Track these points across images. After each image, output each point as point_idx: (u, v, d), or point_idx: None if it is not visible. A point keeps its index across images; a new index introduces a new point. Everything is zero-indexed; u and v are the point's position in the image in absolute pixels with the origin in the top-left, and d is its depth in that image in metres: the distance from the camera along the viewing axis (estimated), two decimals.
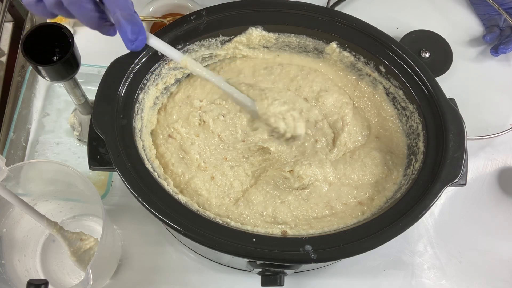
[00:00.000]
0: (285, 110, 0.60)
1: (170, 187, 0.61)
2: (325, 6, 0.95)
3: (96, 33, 0.54)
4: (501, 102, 0.91)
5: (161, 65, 0.67)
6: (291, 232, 0.61)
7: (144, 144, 0.64)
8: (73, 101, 0.73)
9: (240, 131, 0.69)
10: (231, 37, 0.70)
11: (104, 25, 0.54)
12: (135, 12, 0.53)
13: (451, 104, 0.64)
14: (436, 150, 0.62)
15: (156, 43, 0.57)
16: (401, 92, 0.69)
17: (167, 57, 0.66)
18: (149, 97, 0.66)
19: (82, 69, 0.65)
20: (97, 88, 0.61)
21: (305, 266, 0.74)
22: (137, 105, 0.64)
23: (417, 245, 0.80)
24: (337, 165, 0.67)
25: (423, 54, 0.91)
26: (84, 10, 0.51)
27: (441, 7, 1.00)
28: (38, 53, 0.60)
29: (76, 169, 0.64)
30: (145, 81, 0.65)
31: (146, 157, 0.62)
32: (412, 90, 0.67)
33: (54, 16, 0.53)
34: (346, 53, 0.71)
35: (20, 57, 0.89)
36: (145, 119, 0.66)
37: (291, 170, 0.64)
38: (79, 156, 0.82)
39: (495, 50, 0.91)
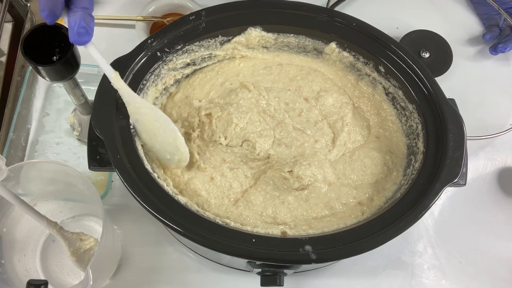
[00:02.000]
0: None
1: (169, 188, 0.61)
2: (325, 6, 0.95)
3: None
4: (501, 102, 0.91)
5: (161, 66, 0.67)
6: (290, 233, 0.61)
7: None
8: (73, 101, 0.73)
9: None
10: (230, 38, 0.70)
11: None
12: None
13: (451, 104, 0.64)
14: (436, 150, 0.62)
15: (94, 52, 0.56)
16: (400, 92, 0.69)
17: (166, 57, 0.66)
18: (148, 98, 0.66)
19: (82, 69, 0.65)
20: (97, 88, 0.61)
21: (305, 266, 0.74)
22: None
23: (417, 245, 0.79)
24: (336, 165, 0.67)
25: (423, 54, 0.91)
26: None
27: (441, 7, 1.00)
28: (38, 53, 0.60)
29: (76, 169, 0.64)
30: (144, 82, 0.65)
31: (146, 158, 0.62)
32: (411, 90, 0.67)
33: None
34: (345, 53, 0.71)
35: (20, 57, 0.89)
36: None
37: (291, 171, 0.64)
38: (79, 156, 0.82)
39: (494, 49, 0.91)
